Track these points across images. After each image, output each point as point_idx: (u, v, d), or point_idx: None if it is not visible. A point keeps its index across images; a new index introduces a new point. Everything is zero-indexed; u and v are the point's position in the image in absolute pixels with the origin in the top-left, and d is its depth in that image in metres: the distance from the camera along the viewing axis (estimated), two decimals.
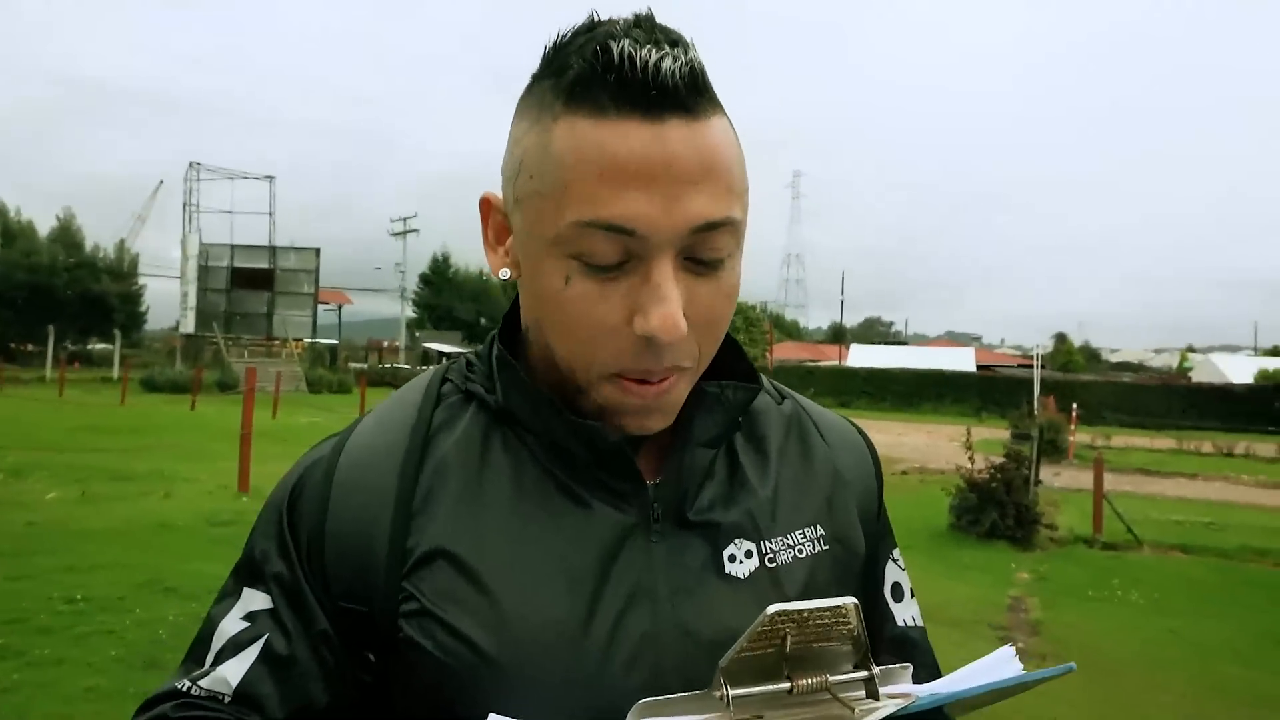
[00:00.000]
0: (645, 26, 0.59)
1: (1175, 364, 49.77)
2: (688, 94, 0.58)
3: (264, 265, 36.87)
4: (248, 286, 36.62)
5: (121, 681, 3.78)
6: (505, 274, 0.68)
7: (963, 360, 42.72)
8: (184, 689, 0.65)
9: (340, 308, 51.12)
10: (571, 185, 0.58)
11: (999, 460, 8.29)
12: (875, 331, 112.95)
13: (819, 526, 0.73)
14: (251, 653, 0.65)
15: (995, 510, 7.98)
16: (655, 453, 0.71)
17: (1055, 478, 12.73)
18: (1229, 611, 5.98)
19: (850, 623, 0.47)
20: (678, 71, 0.57)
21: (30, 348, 39.57)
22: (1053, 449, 15.80)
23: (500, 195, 0.68)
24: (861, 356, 46.16)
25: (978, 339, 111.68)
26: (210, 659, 0.66)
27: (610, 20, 0.61)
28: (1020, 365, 41.88)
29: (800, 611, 0.46)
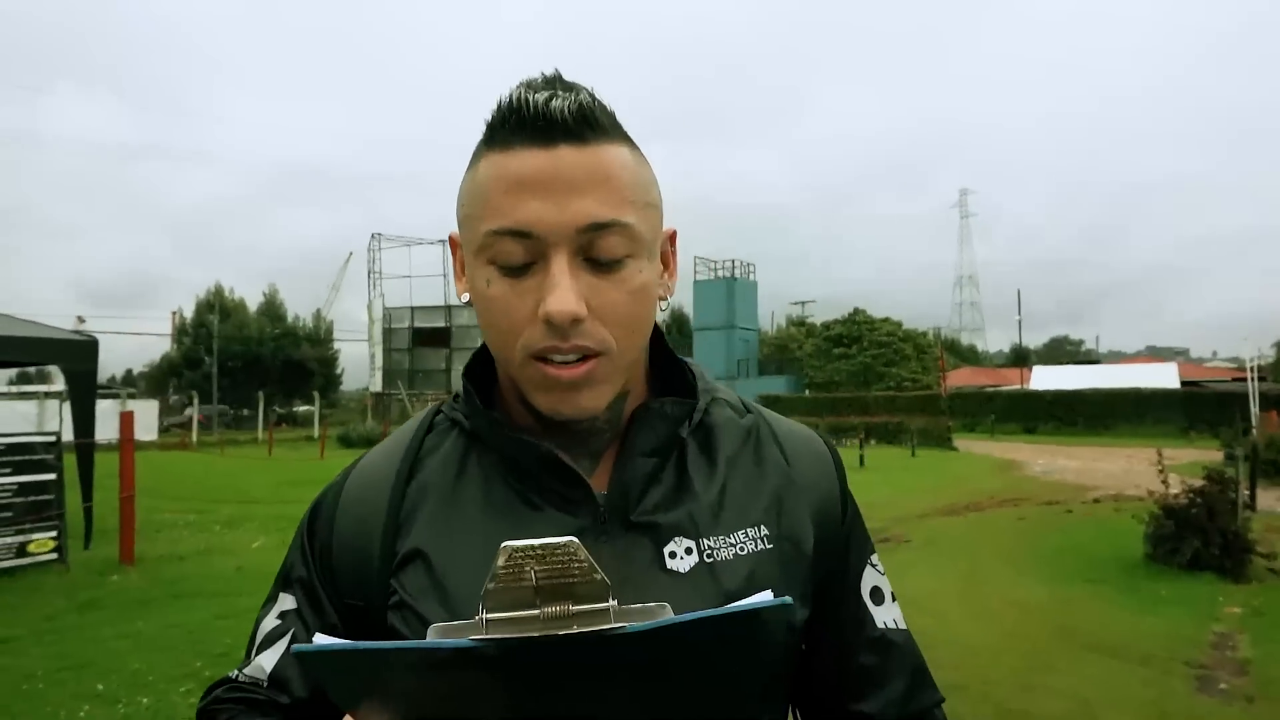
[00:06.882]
0: (547, 80, 0.71)
1: None
2: (576, 126, 0.68)
3: (441, 324, 39.38)
4: (427, 344, 39.23)
5: None
6: (465, 297, 0.78)
7: (1164, 376, 39.10)
8: (234, 676, 0.80)
9: None
10: (486, 203, 0.70)
11: (1199, 484, 7.51)
12: (1063, 351, 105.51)
13: (764, 527, 0.79)
14: (281, 645, 0.79)
15: (1198, 538, 7.21)
16: (610, 466, 0.79)
17: None
18: None
19: (581, 559, 0.52)
20: (565, 109, 0.68)
21: (246, 412, 43.97)
22: (1276, 470, 14.16)
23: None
24: (1046, 378, 43.31)
25: (1183, 352, 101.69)
26: (254, 651, 0.80)
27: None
28: (1235, 379, 37.83)
29: (533, 547, 0.51)
